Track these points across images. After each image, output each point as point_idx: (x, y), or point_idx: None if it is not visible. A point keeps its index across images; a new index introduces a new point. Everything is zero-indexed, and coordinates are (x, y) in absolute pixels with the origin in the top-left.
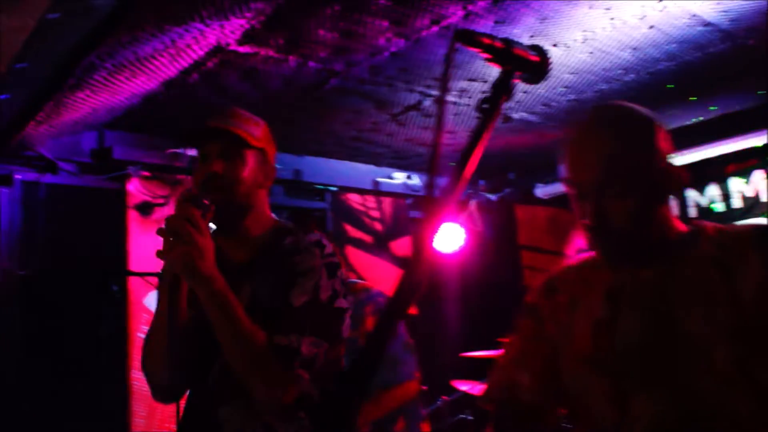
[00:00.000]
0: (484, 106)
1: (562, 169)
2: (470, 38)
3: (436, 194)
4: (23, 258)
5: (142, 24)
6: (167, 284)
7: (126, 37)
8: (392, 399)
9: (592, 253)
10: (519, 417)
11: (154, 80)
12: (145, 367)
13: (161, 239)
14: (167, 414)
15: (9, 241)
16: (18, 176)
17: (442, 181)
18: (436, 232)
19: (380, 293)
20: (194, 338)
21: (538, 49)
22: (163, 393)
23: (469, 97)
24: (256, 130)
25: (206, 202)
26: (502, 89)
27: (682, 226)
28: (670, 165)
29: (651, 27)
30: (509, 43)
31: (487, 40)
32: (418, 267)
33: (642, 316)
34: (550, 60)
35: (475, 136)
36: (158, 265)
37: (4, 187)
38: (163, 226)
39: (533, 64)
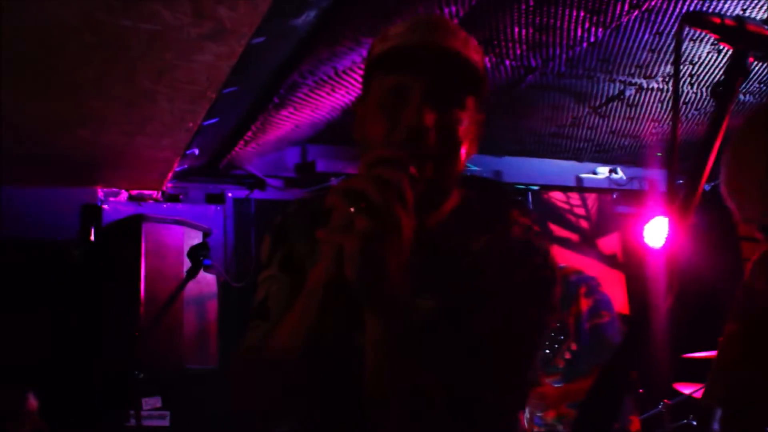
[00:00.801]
0: (719, 89)
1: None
2: (699, 20)
3: (666, 188)
4: (238, 271)
5: (339, 39)
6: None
7: (325, 53)
8: None
9: None
10: (755, 417)
11: (353, 93)
12: None
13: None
14: None
15: (225, 255)
16: (229, 194)
17: (650, 173)
18: (685, 231)
19: (593, 277)
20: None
21: None
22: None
23: (723, 73)
24: (479, 57)
25: (414, 172)
26: (737, 70)
27: None
28: None
29: None
30: (741, 19)
31: (716, 20)
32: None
33: None
34: None
35: (714, 124)
36: None
37: (218, 205)
38: None
39: None
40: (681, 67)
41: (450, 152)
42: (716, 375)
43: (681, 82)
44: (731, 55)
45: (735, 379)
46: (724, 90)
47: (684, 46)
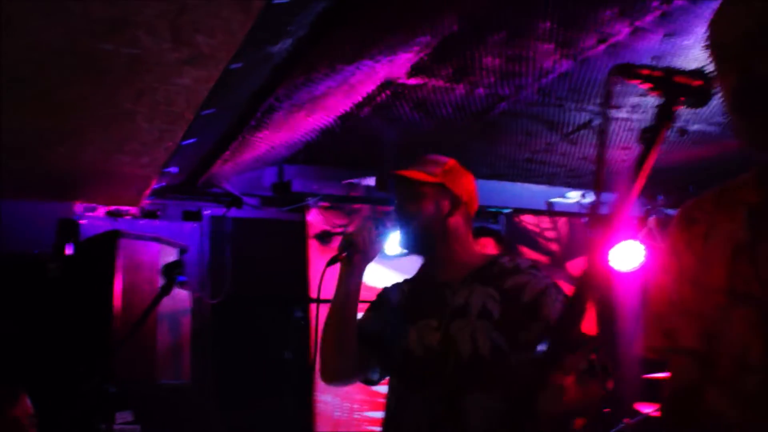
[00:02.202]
0: (646, 135)
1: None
2: (628, 71)
3: (605, 212)
4: (213, 288)
5: (315, 66)
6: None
7: (301, 79)
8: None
9: (738, 176)
10: (683, 360)
11: (329, 116)
12: (321, 348)
13: (341, 268)
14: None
15: (200, 272)
16: (206, 212)
17: (611, 198)
18: (609, 249)
19: None
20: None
21: (701, 74)
22: (328, 376)
23: (643, 112)
24: (434, 169)
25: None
26: (664, 117)
27: None
28: None
29: None
30: (669, 71)
31: (645, 71)
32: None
33: None
34: (714, 83)
35: (639, 163)
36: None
37: (194, 223)
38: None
39: (696, 89)
40: (647, 99)
41: (412, 219)
42: (649, 328)
43: (646, 113)
44: (660, 103)
45: (665, 330)
46: (650, 135)
47: None
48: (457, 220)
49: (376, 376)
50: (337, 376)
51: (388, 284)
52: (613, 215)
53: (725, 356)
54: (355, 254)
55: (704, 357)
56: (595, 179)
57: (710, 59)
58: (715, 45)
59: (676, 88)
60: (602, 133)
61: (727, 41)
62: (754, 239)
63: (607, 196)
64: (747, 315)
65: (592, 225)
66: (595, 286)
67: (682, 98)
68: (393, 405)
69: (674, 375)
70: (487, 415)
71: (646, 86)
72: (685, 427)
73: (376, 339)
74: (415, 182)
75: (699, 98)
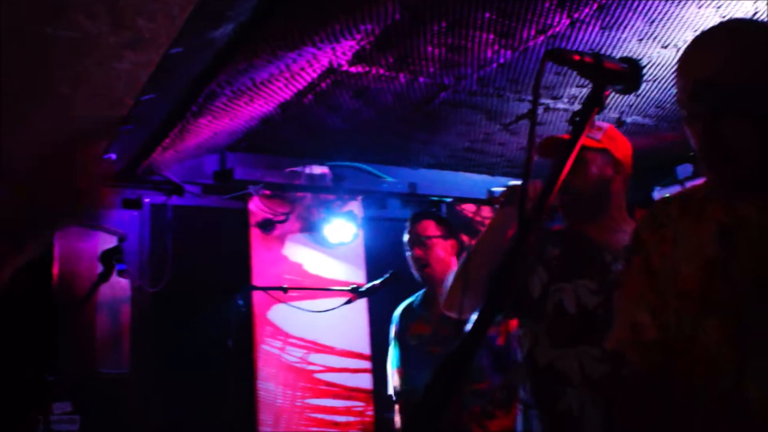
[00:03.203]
0: (576, 119)
1: (678, 91)
2: (560, 56)
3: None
4: (153, 276)
5: (257, 51)
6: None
7: (243, 65)
8: None
9: (698, 184)
10: (647, 356)
11: (271, 103)
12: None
13: (282, 255)
14: (293, 420)
15: (140, 260)
16: (146, 199)
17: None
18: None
19: None
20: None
21: (630, 61)
22: (454, 308)
23: (580, 103)
24: (596, 134)
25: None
26: (593, 102)
27: None
28: None
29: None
30: (599, 57)
31: (576, 57)
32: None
33: (757, 257)
34: (642, 70)
35: (568, 147)
36: (279, 279)
37: (134, 211)
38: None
39: (625, 76)
40: (583, 90)
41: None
42: (615, 320)
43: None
44: (591, 88)
45: (629, 323)
46: (580, 119)
47: None
48: (618, 186)
49: (499, 318)
50: (462, 310)
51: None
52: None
53: (699, 361)
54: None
55: (669, 352)
56: (524, 164)
57: (675, 83)
58: (683, 86)
59: (606, 74)
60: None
61: (698, 92)
62: (727, 257)
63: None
64: (721, 325)
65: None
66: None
67: (612, 85)
68: (535, 354)
69: (637, 367)
70: (588, 361)
71: (576, 71)
72: (650, 418)
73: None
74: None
75: (628, 85)
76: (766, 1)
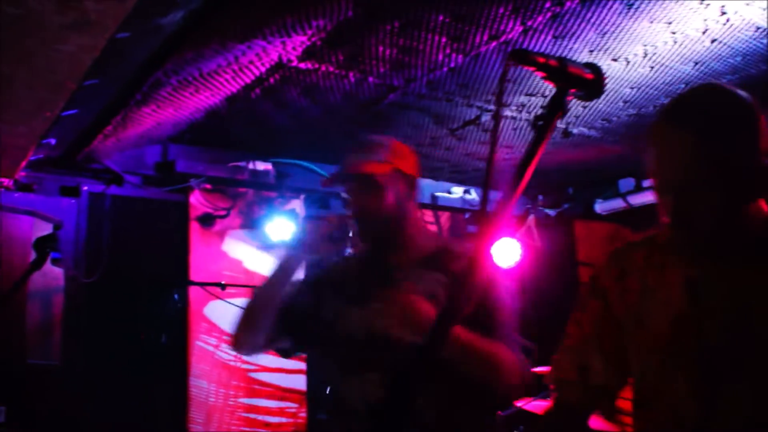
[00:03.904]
0: (539, 123)
1: (646, 159)
2: (525, 57)
3: (491, 209)
4: (89, 266)
5: (206, 41)
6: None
7: (191, 54)
8: None
9: (656, 232)
10: (589, 401)
11: (218, 95)
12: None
13: (221, 251)
14: (224, 419)
15: (75, 249)
16: (85, 188)
17: (498, 196)
18: (492, 245)
19: None
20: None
21: (593, 67)
22: (241, 347)
23: (528, 112)
24: (383, 155)
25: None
26: (556, 106)
27: None
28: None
29: (714, 41)
30: (564, 61)
31: (541, 59)
32: (470, 278)
33: (727, 313)
34: (606, 77)
35: (530, 152)
36: (218, 275)
37: (72, 198)
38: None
39: (588, 82)
40: (533, 99)
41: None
42: (559, 359)
43: (532, 113)
44: (554, 92)
45: (576, 364)
46: (543, 123)
47: (536, 80)
48: (412, 203)
49: (288, 348)
50: (247, 349)
51: (327, 258)
52: (499, 211)
53: (662, 413)
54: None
55: (608, 392)
56: (486, 171)
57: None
58: (653, 169)
59: (570, 78)
60: (496, 119)
61: (667, 173)
62: (699, 314)
63: (492, 193)
64: (689, 380)
65: (476, 221)
66: (476, 281)
67: (574, 89)
68: (331, 384)
69: (565, 405)
70: (428, 403)
71: (540, 74)
72: None
73: (301, 314)
74: (369, 176)
75: (590, 91)
76: (715, 16)
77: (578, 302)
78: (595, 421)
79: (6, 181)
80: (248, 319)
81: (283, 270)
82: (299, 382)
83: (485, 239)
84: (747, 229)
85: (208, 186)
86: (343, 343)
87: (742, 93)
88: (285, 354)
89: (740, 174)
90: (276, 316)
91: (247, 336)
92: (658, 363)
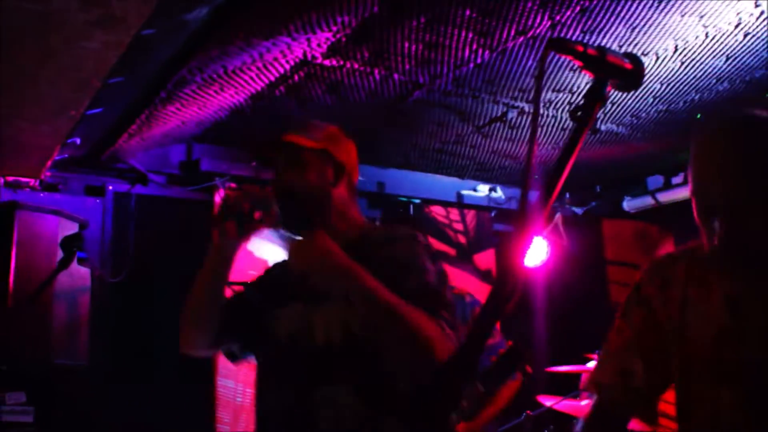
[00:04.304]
0: (578, 114)
1: (689, 180)
2: (563, 46)
3: (527, 208)
4: (115, 266)
5: (231, 38)
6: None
7: (216, 51)
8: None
9: (695, 245)
10: (629, 404)
11: (242, 94)
12: (183, 317)
13: (246, 250)
14: (251, 419)
15: (101, 249)
16: (110, 187)
17: (530, 195)
18: (528, 245)
19: (478, 300)
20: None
21: (632, 57)
22: (186, 346)
23: (555, 108)
24: (316, 134)
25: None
26: (595, 97)
27: None
28: None
29: (747, 35)
30: (603, 50)
31: (580, 48)
32: (509, 278)
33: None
34: (644, 68)
35: (569, 145)
36: (242, 274)
37: (97, 198)
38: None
39: (627, 72)
40: (560, 95)
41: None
42: (600, 364)
43: (560, 110)
44: (592, 83)
45: (617, 368)
46: (582, 114)
47: (564, 75)
48: (341, 191)
49: (236, 351)
50: (194, 347)
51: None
52: (534, 210)
53: (706, 422)
54: (249, 224)
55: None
56: (524, 169)
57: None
58: (696, 194)
59: (609, 68)
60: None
61: (714, 195)
62: (738, 329)
63: (510, 191)
64: (735, 394)
65: (513, 220)
66: (511, 283)
67: (613, 80)
68: (257, 391)
69: (605, 407)
70: (336, 409)
71: (578, 63)
72: None
73: (245, 315)
74: (297, 147)
75: (630, 81)
76: (749, 8)
77: (619, 310)
78: (635, 424)
79: (32, 181)
80: (189, 315)
81: (217, 255)
82: None
83: (522, 239)
84: None
85: (233, 185)
86: (266, 347)
87: None
88: (232, 358)
89: None
90: (220, 314)
91: (191, 333)
92: (704, 378)
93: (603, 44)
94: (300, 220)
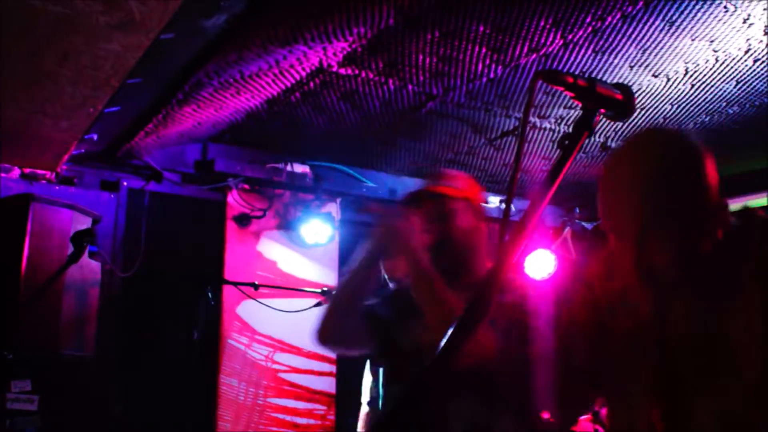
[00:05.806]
0: (565, 142)
1: (598, 206)
2: (553, 77)
3: (516, 219)
4: (126, 261)
5: (248, 45)
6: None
7: (233, 57)
8: None
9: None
10: (571, 378)
11: (258, 98)
12: (326, 316)
13: (257, 251)
14: (252, 418)
15: (113, 244)
16: (124, 183)
17: (524, 206)
18: (518, 255)
19: None
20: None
21: (624, 88)
22: (327, 341)
23: (567, 125)
24: (458, 184)
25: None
26: (584, 126)
27: (728, 227)
28: (718, 203)
29: (756, 60)
30: (592, 81)
31: (569, 79)
32: (490, 286)
33: (689, 314)
34: (635, 99)
35: (555, 169)
36: (252, 275)
37: (111, 193)
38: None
39: (618, 103)
40: (571, 111)
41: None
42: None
43: (570, 125)
44: (581, 112)
45: (561, 346)
46: (569, 143)
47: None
48: (481, 235)
49: (372, 354)
50: (334, 344)
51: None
52: (526, 222)
53: (619, 408)
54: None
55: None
56: (509, 183)
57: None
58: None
59: (598, 99)
60: (521, 136)
61: (621, 221)
62: (659, 311)
63: (521, 203)
64: (647, 380)
65: (503, 231)
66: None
67: (603, 110)
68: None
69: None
70: (463, 417)
71: (569, 94)
72: None
73: (385, 323)
74: (446, 198)
75: (620, 112)
76: (758, 38)
77: (569, 292)
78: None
79: (48, 174)
80: (333, 312)
81: (365, 264)
82: (328, 385)
83: (511, 248)
84: (707, 262)
85: (246, 186)
86: (392, 353)
87: (686, 134)
88: (371, 360)
89: (694, 217)
90: (360, 317)
91: (331, 330)
92: (626, 364)
93: (614, 64)
94: (451, 261)
